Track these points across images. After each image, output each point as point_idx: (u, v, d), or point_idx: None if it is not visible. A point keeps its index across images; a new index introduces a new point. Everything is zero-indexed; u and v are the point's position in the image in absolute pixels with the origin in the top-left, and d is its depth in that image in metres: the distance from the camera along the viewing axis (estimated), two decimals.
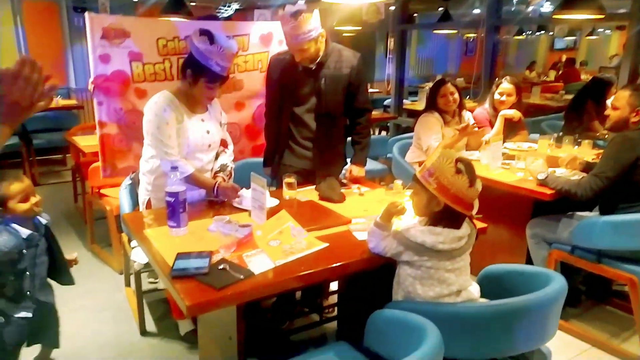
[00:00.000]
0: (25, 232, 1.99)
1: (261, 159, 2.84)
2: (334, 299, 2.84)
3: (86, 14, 2.81)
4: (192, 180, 2.26)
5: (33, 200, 2.01)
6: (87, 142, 4.03)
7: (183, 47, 2.97)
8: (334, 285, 2.85)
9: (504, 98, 3.57)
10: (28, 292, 2.03)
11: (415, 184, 1.73)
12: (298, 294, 2.86)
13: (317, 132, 2.61)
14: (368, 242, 1.81)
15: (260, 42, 3.30)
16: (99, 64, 2.85)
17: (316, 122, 2.59)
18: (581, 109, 4.35)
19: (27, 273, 2.02)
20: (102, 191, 3.48)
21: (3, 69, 0.99)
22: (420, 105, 6.59)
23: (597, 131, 4.12)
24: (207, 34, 2.20)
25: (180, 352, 2.57)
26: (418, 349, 1.29)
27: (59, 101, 6.46)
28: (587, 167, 2.82)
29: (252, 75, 3.31)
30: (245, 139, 3.48)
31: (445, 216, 1.68)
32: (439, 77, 9.65)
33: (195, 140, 2.33)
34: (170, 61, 3.00)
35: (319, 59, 2.50)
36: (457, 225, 1.70)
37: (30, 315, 2.03)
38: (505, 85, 3.59)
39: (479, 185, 1.68)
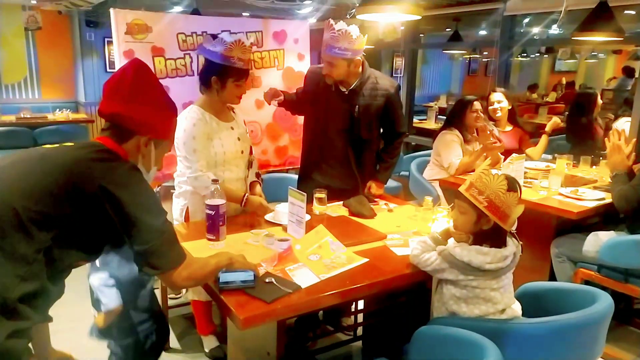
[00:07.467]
0: None
1: (288, 175, 2.84)
2: (355, 318, 2.80)
3: (111, 10, 2.78)
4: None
5: None
6: None
7: (201, 42, 2.91)
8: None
9: (496, 105, 3.73)
10: None
11: (462, 202, 1.71)
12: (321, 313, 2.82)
13: (349, 153, 2.61)
14: (412, 250, 1.80)
15: (274, 39, 3.30)
16: (123, 60, 2.81)
17: (348, 144, 2.60)
18: (577, 128, 4.40)
19: None
20: None
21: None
22: (429, 123, 6.63)
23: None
24: (217, 36, 2.22)
25: None
26: None
27: (69, 114, 6.50)
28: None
29: (270, 72, 3.30)
30: (267, 139, 3.41)
31: (491, 234, 1.68)
32: (442, 97, 9.55)
33: (230, 148, 2.34)
34: (190, 56, 2.99)
35: (353, 86, 2.51)
36: (502, 243, 1.70)
37: None
38: (495, 95, 3.76)
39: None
